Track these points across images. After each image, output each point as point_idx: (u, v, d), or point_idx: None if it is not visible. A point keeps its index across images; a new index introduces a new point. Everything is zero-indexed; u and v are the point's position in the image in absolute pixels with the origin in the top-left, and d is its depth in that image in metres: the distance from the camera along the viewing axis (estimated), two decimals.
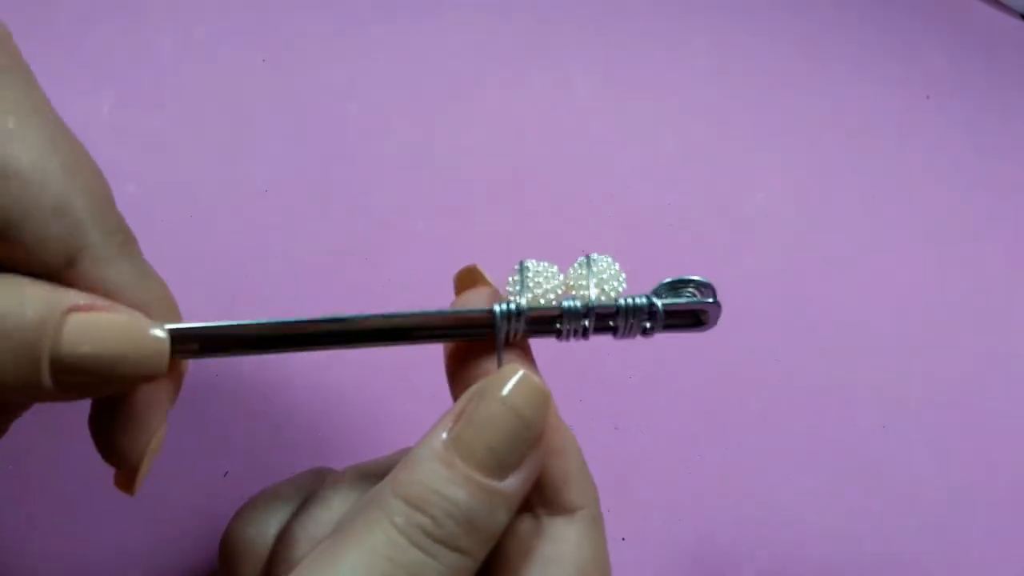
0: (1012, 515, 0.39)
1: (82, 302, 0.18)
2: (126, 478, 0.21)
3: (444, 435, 0.19)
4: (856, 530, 0.37)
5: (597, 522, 0.22)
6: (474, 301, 0.22)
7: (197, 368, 0.29)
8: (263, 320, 0.20)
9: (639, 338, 0.23)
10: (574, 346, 0.38)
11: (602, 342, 0.37)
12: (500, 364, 0.21)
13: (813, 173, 0.46)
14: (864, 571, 0.36)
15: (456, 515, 0.18)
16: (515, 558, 0.21)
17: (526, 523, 0.22)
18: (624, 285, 0.22)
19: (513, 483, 0.19)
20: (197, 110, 0.41)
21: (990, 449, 0.40)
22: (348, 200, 0.40)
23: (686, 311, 0.22)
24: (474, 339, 0.22)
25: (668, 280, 0.23)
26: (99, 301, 0.18)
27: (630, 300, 0.22)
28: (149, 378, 0.19)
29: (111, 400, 0.20)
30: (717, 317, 0.22)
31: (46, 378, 0.17)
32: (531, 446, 0.19)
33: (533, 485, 0.21)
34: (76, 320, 0.17)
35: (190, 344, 0.20)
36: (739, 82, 0.49)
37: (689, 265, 0.41)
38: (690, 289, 0.23)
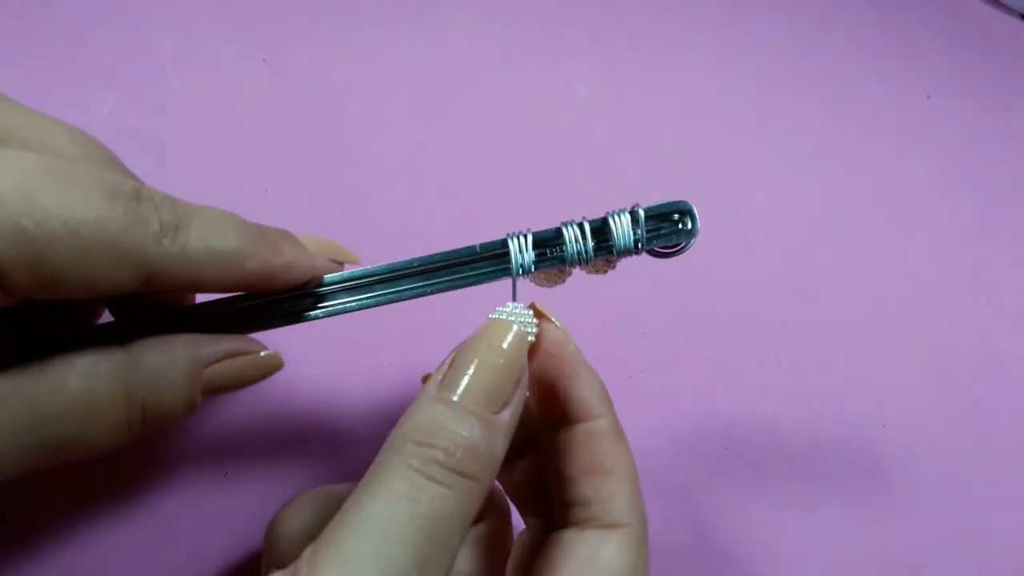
0: (1012, 515, 0.39)
1: (220, 350, 0.23)
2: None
3: (438, 380, 0.22)
4: (856, 530, 0.37)
5: (640, 540, 0.24)
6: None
7: None
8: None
9: (636, 260, 0.26)
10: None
11: (602, 340, 0.37)
12: (514, 295, 0.25)
13: (813, 173, 0.46)
14: (864, 571, 0.36)
15: (463, 443, 0.20)
16: (558, 565, 0.23)
17: (570, 534, 0.23)
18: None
19: (505, 415, 0.22)
20: (197, 110, 0.41)
21: (990, 449, 0.40)
22: (348, 200, 0.40)
23: (666, 213, 0.25)
24: (493, 275, 0.26)
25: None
26: (227, 346, 0.24)
27: (615, 212, 0.25)
28: (272, 374, 0.25)
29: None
30: (695, 225, 0.25)
31: (198, 399, 0.23)
32: (515, 382, 0.22)
33: (582, 503, 0.24)
34: (214, 369, 0.23)
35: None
36: (739, 82, 0.49)
37: (689, 265, 0.41)
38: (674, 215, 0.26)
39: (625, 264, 0.27)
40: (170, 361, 0.22)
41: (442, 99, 0.44)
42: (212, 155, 0.40)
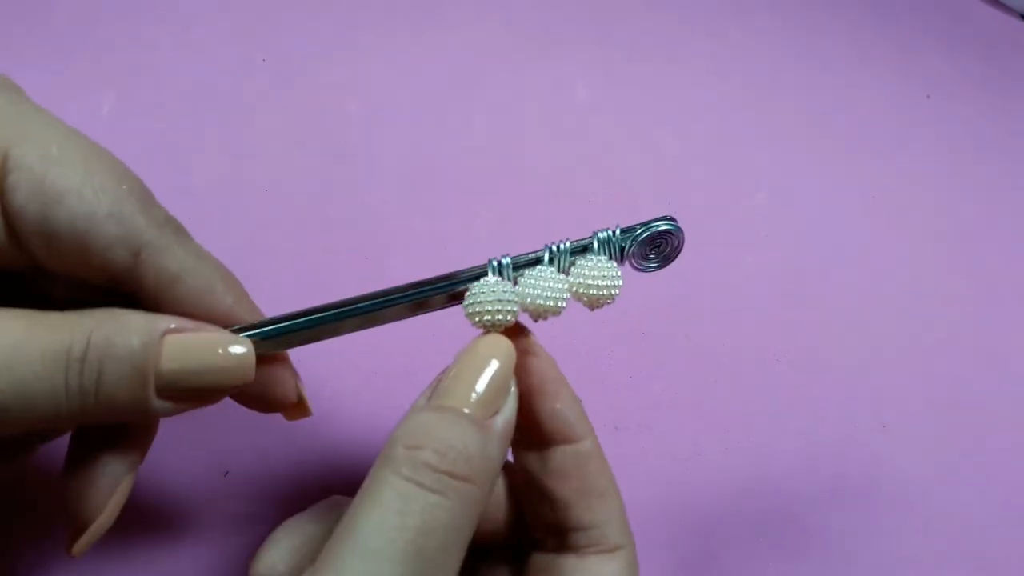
0: (1012, 515, 0.39)
1: (173, 325, 0.21)
2: (72, 536, 0.23)
3: (427, 393, 0.22)
4: (856, 530, 0.37)
5: (634, 566, 0.24)
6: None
7: None
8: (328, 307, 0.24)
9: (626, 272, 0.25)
10: (575, 347, 0.38)
11: (602, 341, 0.37)
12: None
13: (813, 173, 0.46)
14: (864, 571, 0.36)
15: (455, 445, 0.19)
16: None
17: (570, 561, 0.23)
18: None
19: (498, 422, 0.21)
20: (197, 110, 0.41)
21: (990, 449, 0.40)
22: (348, 200, 0.40)
23: (649, 236, 0.24)
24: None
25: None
26: (187, 323, 0.21)
27: (602, 231, 0.24)
28: (239, 384, 0.22)
29: (85, 445, 0.23)
30: (679, 243, 0.25)
31: (152, 394, 0.20)
32: (505, 388, 0.22)
33: (579, 526, 0.23)
34: (171, 341, 0.20)
35: (270, 344, 0.23)
36: (739, 82, 0.49)
37: (689, 265, 0.41)
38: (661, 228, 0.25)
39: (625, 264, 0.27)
40: (119, 326, 0.20)
41: (442, 99, 0.44)
42: (212, 155, 0.40)
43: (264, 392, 0.24)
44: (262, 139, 0.41)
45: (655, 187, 0.44)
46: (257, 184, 0.40)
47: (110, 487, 0.22)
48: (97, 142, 0.22)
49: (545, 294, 0.23)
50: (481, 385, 0.21)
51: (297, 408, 0.25)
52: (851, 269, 0.44)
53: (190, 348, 0.21)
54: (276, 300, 0.37)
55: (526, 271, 0.23)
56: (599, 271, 0.23)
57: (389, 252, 0.39)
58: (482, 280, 0.23)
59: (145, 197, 0.21)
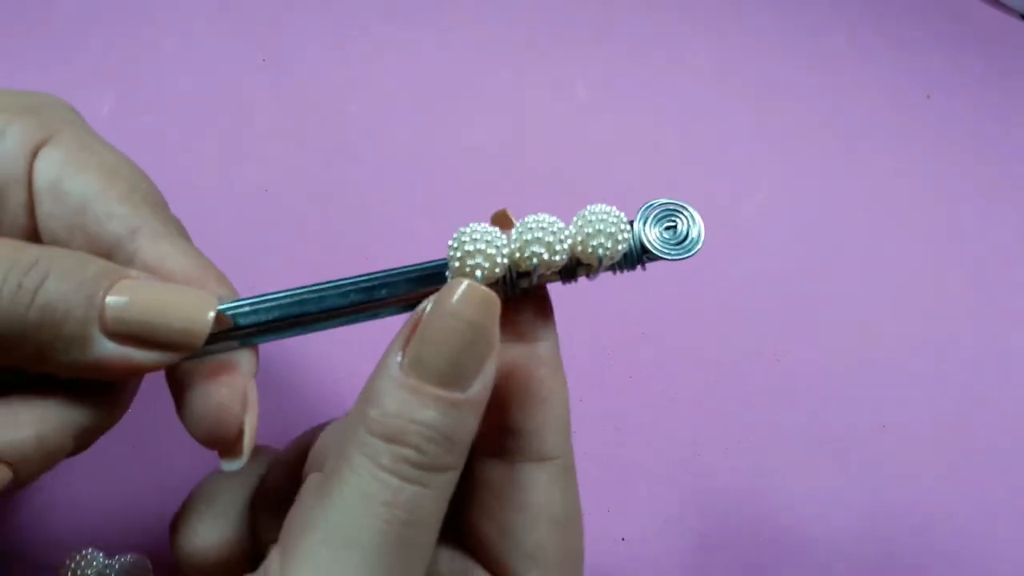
0: (1012, 515, 0.39)
1: (137, 275, 0.20)
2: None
3: (399, 358, 0.19)
4: (856, 530, 0.37)
5: (570, 472, 0.22)
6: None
7: None
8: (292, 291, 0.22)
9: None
10: (575, 347, 0.38)
11: (602, 340, 0.37)
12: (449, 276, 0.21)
13: (813, 173, 0.46)
14: (864, 571, 0.36)
15: (435, 437, 0.18)
16: (488, 504, 0.22)
17: (499, 469, 0.22)
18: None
19: (477, 388, 0.19)
20: (197, 110, 0.41)
21: (990, 449, 0.40)
22: (348, 200, 0.40)
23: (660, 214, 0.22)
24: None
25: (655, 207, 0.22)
26: (154, 278, 0.20)
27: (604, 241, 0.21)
28: (194, 339, 0.20)
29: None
30: (693, 221, 0.22)
31: (95, 320, 0.19)
32: (487, 352, 0.19)
33: (511, 431, 0.22)
34: (127, 282, 0.19)
35: (227, 324, 0.21)
36: (739, 82, 0.49)
37: (689, 265, 0.41)
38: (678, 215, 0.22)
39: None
40: (82, 256, 0.19)
41: (442, 99, 0.44)
42: (212, 155, 0.40)
43: (205, 394, 0.21)
44: (262, 139, 0.41)
45: (655, 187, 0.44)
46: (257, 184, 0.40)
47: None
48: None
49: (545, 238, 0.20)
50: (460, 351, 0.19)
51: (231, 437, 0.21)
52: (851, 269, 0.44)
53: (143, 288, 0.19)
54: None
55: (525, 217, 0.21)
56: (602, 214, 0.21)
57: (389, 252, 0.39)
58: (471, 225, 0.21)
59: (160, 201, 0.23)
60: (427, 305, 0.19)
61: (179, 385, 0.21)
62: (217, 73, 0.42)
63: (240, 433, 0.21)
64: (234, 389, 0.21)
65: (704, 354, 0.39)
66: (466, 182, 0.42)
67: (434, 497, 0.18)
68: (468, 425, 0.19)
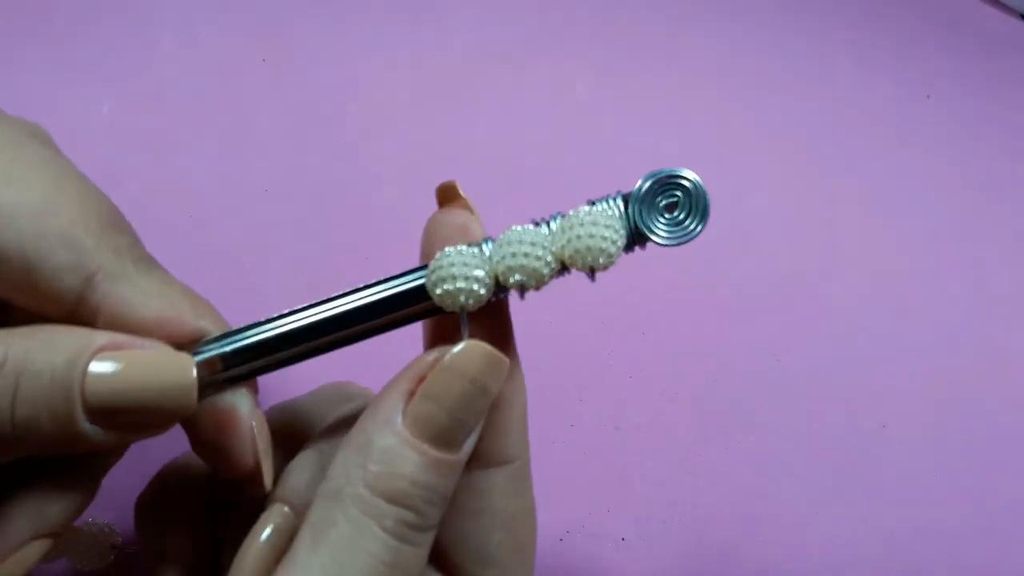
0: (1012, 515, 0.39)
1: (106, 340, 0.18)
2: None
3: (400, 413, 0.19)
4: (856, 530, 0.37)
5: (526, 472, 0.22)
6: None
7: None
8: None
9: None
10: (575, 347, 0.38)
11: (602, 340, 0.37)
12: (464, 331, 0.20)
13: (813, 173, 0.46)
14: (864, 571, 0.36)
15: (433, 498, 0.19)
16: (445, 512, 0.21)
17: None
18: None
19: (467, 448, 0.19)
20: (197, 110, 0.41)
21: (990, 449, 0.40)
22: (348, 200, 0.40)
23: (657, 188, 0.20)
24: (428, 313, 0.21)
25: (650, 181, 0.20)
26: (123, 338, 0.19)
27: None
28: (182, 412, 0.19)
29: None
30: (698, 197, 0.20)
31: (80, 417, 0.18)
32: (485, 411, 0.20)
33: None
34: (101, 359, 0.18)
35: (216, 368, 0.20)
36: (739, 82, 0.49)
37: (689, 264, 0.41)
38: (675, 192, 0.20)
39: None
40: (43, 341, 0.18)
41: (442, 99, 0.44)
42: (212, 155, 0.40)
43: (217, 440, 0.20)
44: (262, 139, 0.41)
45: None
46: (257, 184, 0.40)
47: (24, 532, 0.19)
48: (75, 167, 0.20)
49: (524, 250, 0.19)
50: (466, 417, 0.19)
51: (251, 475, 0.21)
52: (851, 269, 0.44)
53: (120, 365, 0.18)
54: (275, 300, 0.37)
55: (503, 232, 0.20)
56: (591, 218, 0.19)
57: (389, 252, 0.39)
58: (447, 248, 0.20)
59: (109, 224, 0.20)
60: (429, 358, 0.19)
61: (190, 429, 0.21)
62: (217, 73, 0.42)
63: (258, 469, 0.21)
64: (243, 439, 0.21)
65: (704, 354, 0.39)
66: (466, 181, 0.42)
67: (423, 553, 0.19)
68: (454, 481, 0.19)
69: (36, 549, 0.19)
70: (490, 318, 0.21)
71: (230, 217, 0.38)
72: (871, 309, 0.43)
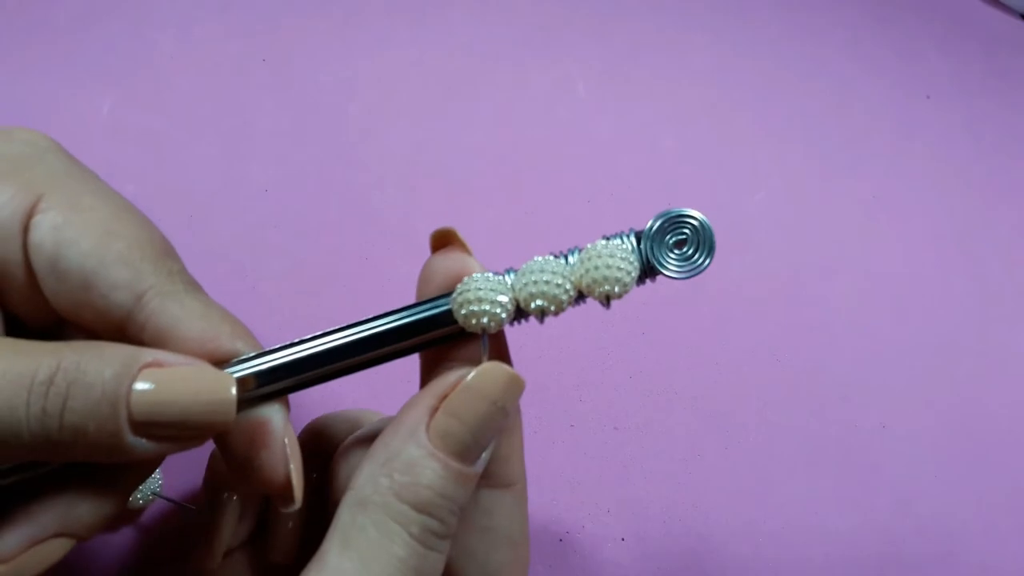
0: (1012, 515, 0.39)
1: (152, 358, 0.19)
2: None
3: (424, 427, 0.20)
4: (856, 530, 0.37)
5: (525, 495, 0.24)
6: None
7: None
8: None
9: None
10: (575, 347, 0.38)
11: (602, 340, 0.37)
12: (485, 352, 0.22)
13: (813, 173, 0.46)
14: (864, 571, 0.36)
15: (454, 509, 0.20)
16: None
17: None
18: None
19: (482, 461, 0.21)
20: (197, 110, 0.41)
21: (990, 449, 0.40)
22: (348, 200, 0.40)
23: (667, 227, 0.21)
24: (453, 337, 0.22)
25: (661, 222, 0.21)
26: (168, 356, 0.20)
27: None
28: (220, 427, 0.20)
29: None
30: (705, 235, 0.21)
31: (126, 428, 0.19)
32: (502, 428, 0.21)
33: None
34: (147, 374, 0.19)
35: (250, 385, 0.21)
36: (739, 82, 0.49)
37: None
38: (684, 230, 0.22)
39: None
40: (94, 354, 0.19)
41: (442, 99, 0.44)
42: (212, 155, 0.40)
43: (249, 453, 0.21)
44: (262, 139, 0.41)
45: (655, 187, 0.44)
46: (257, 184, 0.40)
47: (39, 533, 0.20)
48: (125, 197, 0.22)
49: (544, 278, 0.21)
50: (485, 433, 0.21)
51: (282, 489, 0.22)
52: (851, 269, 0.44)
53: (164, 381, 0.19)
54: (275, 300, 0.37)
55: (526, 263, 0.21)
56: (608, 251, 0.21)
57: (389, 252, 0.39)
58: (475, 275, 0.21)
59: (161, 250, 0.21)
60: (451, 378, 0.21)
61: (222, 445, 0.22)
62: (217, 73, 0.42)
63: (289, 483, 0.21)
64: (274, 452, 0.21)
65: (704, 354, 0.39)
66: (466, 181, 0.42)
67: (443, 560, 0.20)
68: (471, 494, 0.21)
69: (58, 547, 0.20)
70: (491, 342, 0.23)
71: (230, 217, 0.38)
72: (871, 309, 0.43)
